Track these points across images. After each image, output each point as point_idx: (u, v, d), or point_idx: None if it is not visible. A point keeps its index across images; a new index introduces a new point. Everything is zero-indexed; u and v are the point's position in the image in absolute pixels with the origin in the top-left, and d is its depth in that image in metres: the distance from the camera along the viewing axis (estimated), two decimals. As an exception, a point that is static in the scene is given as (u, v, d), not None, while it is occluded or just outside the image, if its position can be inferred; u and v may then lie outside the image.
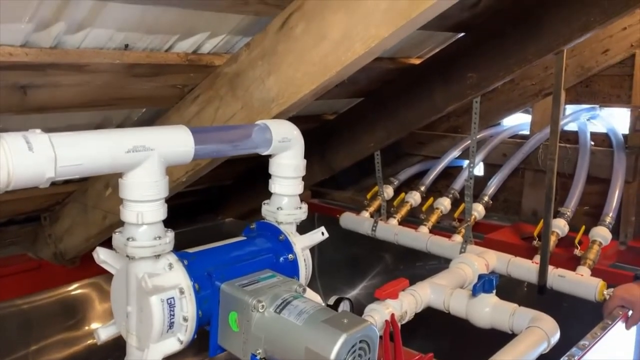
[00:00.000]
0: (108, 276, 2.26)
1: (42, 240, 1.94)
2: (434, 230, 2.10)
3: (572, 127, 2.26)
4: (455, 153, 2.36)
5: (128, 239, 0.82)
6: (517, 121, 2.49)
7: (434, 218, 2.11)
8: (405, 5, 0.96)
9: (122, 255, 0.84)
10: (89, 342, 2.07)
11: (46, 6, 0.93)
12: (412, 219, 2.23)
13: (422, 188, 2.29)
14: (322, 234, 1.09)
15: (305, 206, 1.10)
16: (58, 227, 1.87)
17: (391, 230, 2.14)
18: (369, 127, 2.00)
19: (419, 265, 2.32)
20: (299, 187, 1.08)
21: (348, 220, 2.29)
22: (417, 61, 1.88)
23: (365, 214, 2.27)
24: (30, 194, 1.70)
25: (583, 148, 2.10)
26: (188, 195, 2.29)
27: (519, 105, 2.36)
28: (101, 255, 0.88)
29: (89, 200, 1.70)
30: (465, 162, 2.38)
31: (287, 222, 1.07)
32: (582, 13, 1.45)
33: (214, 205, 2.63)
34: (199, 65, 1.25)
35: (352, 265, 2.64)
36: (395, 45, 1.19)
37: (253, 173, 2.38)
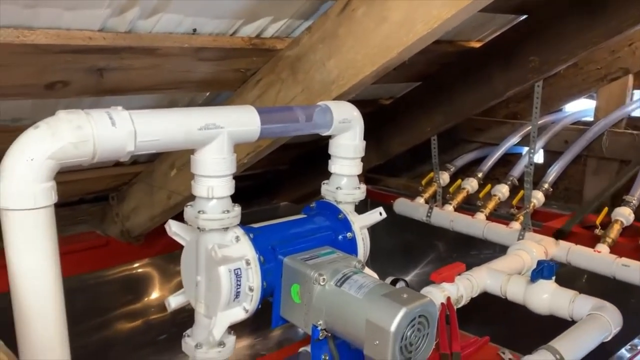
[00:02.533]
0: (168, 256, 2.35)
1: (109, 219, 2.05)
2: (490, 218, 2.07)
3: (639, 113, 2.17)
4: (515, 140, 2.31)
5: (199, 211, 0.86)
6: (580, 107, 2.41)
7: (491, 205, 2.08)
8: (468, -14, 0.96)
9: (193, 227, 0.88)
10: (148, 317, 2.17)
11: (123, -8, 0.99)
12: (468, 207, 2.20)
13: (480, 175, 2.25)
14: (380, 214, 1.11)
15: (363, 186, 1.12)
16: (125, 206, 1.96)
17: (447, 216, 2.13)
18: (426, 111, 1.99)
19: (473, 253, 2.29)
20: (358, 168, 1.10)
21: (402, 205, 2.29)
22: (477, 44, 1.85)
23: (420, 200, 2.26)
24: (100, 174, 1.80)
25: (651, 135, 2.02)
26: (245, 179, 2.35)
27: (582, 91, 2.27)
28: (173, 227, 0.93)
29: (154, 180, 1.78)
30: (525, 149, 2.32)
31: (346, 202, 1.09)
32: (655, -9, 1.39)
33: (269, 190, 2.69)
34: (262, 49, 1.28)
35: (404, 252, 2.64)
36: (455, 28, 1.18)
37: (307, 158, 2.42)
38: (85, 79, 1.13)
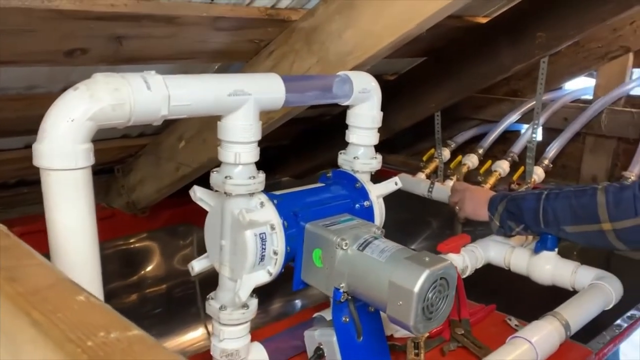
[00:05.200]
0: (169, 230, 2.35)
1: (114, 191, 2.05)
2: (491, 193, 2.10)
3: (638, 91, 2.21)
4: (514, 117, 2.34)
5: (225, 177, 0.88)
6: (580, 85, 2.44)
7: (492, 180, 2.12)
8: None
9: (220, 192, 0.90)
10: (143, 291, 2.20)
11: (144, -41, 0.99)
12: (469, 182, 2.24)
13: (480, 151, 2.29)
14: (396, 183, 1.14)
15: (379, 157, 1.14)
16: (131, 178, 1.97)
17: (448, 191, 2.16)
18: (431, 87, 2.01)
19: (468, 230, 2.33)
20: (375, 138, 1.12)
21: (404, 181, 2.27)
22: (484, 20, 1.87)
23: (421, 176, 2.29)
24: (105, 146, 1.80)
25: (650, 113, 2.05)
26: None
27: (582, 69, 2.30)
28: (198, 193, 0.95)
29: (162, 152, 1.79)
30: (524, 127, 2.36)
31: (363, 171, 1.11)
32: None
33: (271, 165, 2.70)
34: (277, 20, 1.29)
35: (400, 228, 2.67)
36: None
37: (309, 134, 2.43)
38: (105, 47, 1.13)
